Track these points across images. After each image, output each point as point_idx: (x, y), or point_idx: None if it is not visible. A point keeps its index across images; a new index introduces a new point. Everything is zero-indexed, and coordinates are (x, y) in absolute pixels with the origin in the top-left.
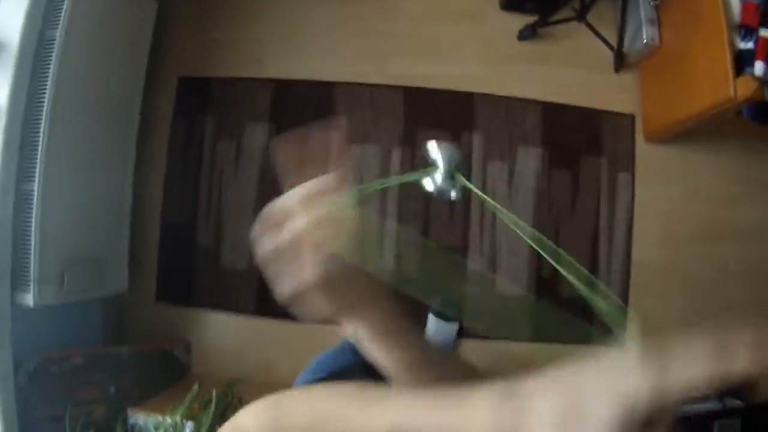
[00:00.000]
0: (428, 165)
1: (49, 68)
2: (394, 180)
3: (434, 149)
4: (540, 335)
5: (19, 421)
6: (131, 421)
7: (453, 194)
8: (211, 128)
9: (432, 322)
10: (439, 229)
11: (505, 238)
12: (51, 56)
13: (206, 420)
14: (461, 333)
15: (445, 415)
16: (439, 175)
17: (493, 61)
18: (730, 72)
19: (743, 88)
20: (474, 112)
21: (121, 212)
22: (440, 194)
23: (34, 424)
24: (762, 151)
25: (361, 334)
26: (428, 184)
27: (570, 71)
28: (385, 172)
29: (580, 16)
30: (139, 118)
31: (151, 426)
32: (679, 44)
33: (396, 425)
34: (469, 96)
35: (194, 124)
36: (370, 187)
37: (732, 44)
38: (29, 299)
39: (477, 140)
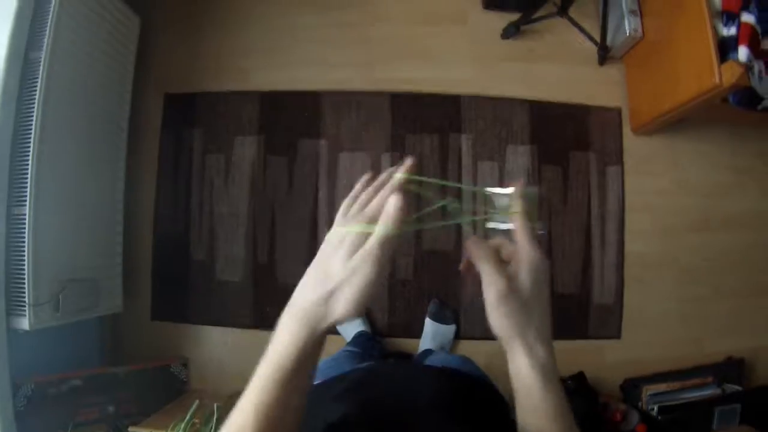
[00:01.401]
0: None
1: (35, 90)
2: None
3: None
4: None
5: None
6: None
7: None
8: (199, 143)
9: (429, 325)
10: (431, 233)
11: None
12: (37, 78)
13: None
14: (458, 335)
15: (264, 364)
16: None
17: (478, 61)
18: (715, 59)
19: (728, 75)
20: (461, 114)
21: (113, 230)
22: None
23: None
24: (750, 137)
25: None
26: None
27: (555, 67)
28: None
29: (562, 11)
30: (127, 135)
31: None
32: (662, 34)
33: (255, 400)
34: (456, 98)
35: (182, 139)
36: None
37: (715, 31)
38: (25, 323)
39: (465, 141)
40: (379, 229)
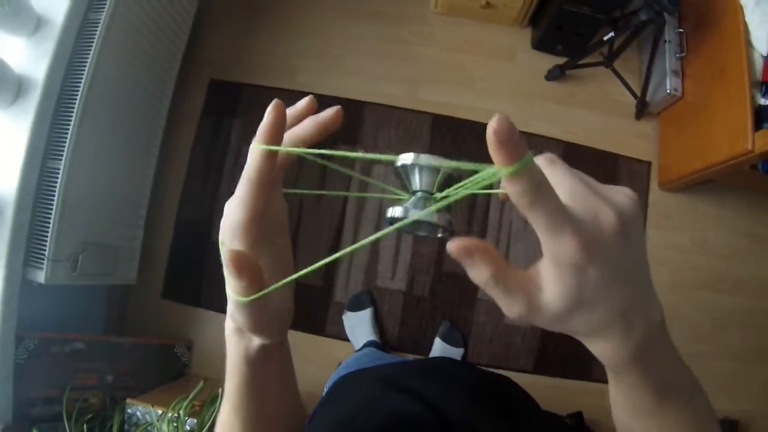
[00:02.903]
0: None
1: (89, 50)
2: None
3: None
4: None
5: (13, 396)
6: (129, 410)
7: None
8: (237, 132)
9: (438, 345)
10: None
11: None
12: (93, 39)
13: (209, 417)
14: (465, 359)
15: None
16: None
17: (520, 97)
18: (750, 126)
19: (761, 142)
20: None
21: (139, 204)
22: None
23: (28, 403)
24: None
25: None
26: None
27: (592, 114)
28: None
29: (608, 62)
30: (167, 113)
31: (150, 418)
32: (701, 97)
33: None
34: None
35: (221, 126)
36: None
37: (752, 99)
38: (41, 276)
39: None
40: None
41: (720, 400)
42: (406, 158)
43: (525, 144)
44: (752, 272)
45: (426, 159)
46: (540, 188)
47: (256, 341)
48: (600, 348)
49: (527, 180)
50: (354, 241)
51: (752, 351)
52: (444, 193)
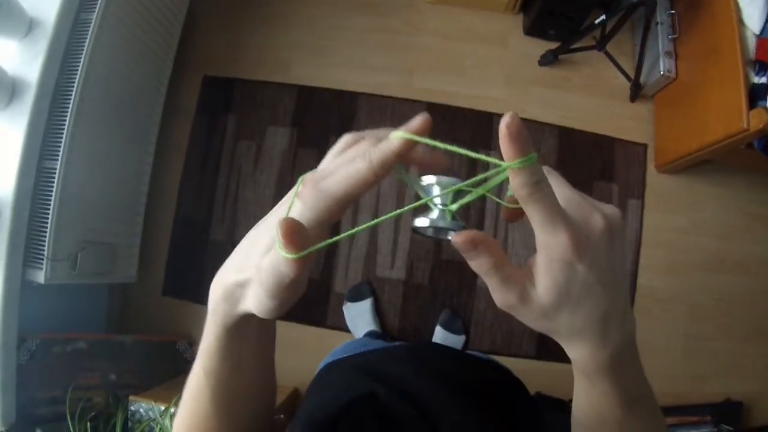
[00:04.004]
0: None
1: (82, 51)
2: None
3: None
4: None
5: (17, 399)
6: (132, 408)
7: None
8: (232, 128)
9: (439, 333)
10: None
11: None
12: (85, 39)
13: None
14: (467, 346)
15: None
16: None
17: (513, 83)
18: (744, 105)
19: (756, 121)
20: (492, 132)
21: (137, 202)
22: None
23: (32, 404)
24: (766, 186)
25: None
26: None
27: (587, 98)
28: (402, 183)
29: (600, 45)
30: (162, 110)
31: (153, 414)
32: (695, 77)
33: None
34: (488, 116)
35: (216, 123)
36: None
37: (746, 78)
38: (40, 276)
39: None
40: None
41: (723, 381)
42: (429, 179)
43: (531, 143)
44: (753, 252)
45: (446, 182)
46: (540, 183)
47: (242, 308)
48: (579, 351)
49: (530, 173)
50: (354, 227)
51: (755, 331)
52: (456, 204)
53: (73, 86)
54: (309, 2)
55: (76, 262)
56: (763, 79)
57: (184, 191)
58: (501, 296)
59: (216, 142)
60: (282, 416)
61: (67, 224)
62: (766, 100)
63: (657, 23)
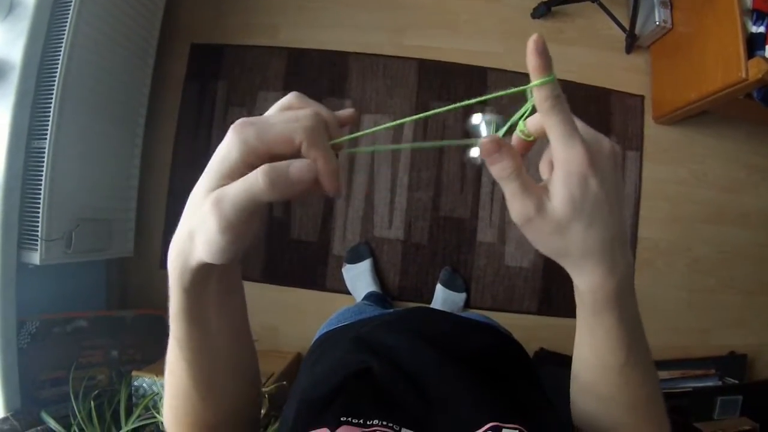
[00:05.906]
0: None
1: (65, 27)
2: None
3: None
4: None
5: (20, 382)
6: (135, 383)
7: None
8: (223, 95)
9: (440, 292)
10: (450, 200)
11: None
12: (67, 15)
13: None
14: (468, 304)
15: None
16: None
17: (506, 37)
18: (742, 54)
19: (755, 70)
20: (487, 87)
21: (131, 174)
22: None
23: (35, 387)
24: (767, 137)
25: None
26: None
27: (582, 51)
28: (397, 141)
29: None
30: (150, 81)
31: (157, 388)
32: (691, 27)
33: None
34: (482, 70)
35: (206, 90)
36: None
37: (744, 27)
38: (35, 257)
39: (489, 114)
40: (250, 185)
41: (728, 334)
42: (476, 118)
43: (552, 63)
44: (754, 203)
45: (490, 117)
46: (561, 97)
47: (194, 259)
48: (589, 277)
49: (552, 88)
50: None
51: (760, 283)
52: (503, 130)
53: (58, 64)
54: None
55: (71, 240)
56: (761, 28)
57: (177, 162)
58: (519, 205)
59: (207, 110)
60: (285, 383)
61: (60, 203)
62: (764, 49)
63: None
